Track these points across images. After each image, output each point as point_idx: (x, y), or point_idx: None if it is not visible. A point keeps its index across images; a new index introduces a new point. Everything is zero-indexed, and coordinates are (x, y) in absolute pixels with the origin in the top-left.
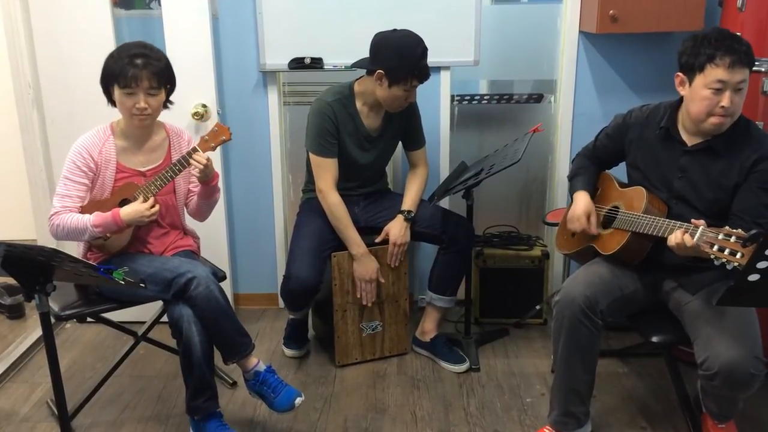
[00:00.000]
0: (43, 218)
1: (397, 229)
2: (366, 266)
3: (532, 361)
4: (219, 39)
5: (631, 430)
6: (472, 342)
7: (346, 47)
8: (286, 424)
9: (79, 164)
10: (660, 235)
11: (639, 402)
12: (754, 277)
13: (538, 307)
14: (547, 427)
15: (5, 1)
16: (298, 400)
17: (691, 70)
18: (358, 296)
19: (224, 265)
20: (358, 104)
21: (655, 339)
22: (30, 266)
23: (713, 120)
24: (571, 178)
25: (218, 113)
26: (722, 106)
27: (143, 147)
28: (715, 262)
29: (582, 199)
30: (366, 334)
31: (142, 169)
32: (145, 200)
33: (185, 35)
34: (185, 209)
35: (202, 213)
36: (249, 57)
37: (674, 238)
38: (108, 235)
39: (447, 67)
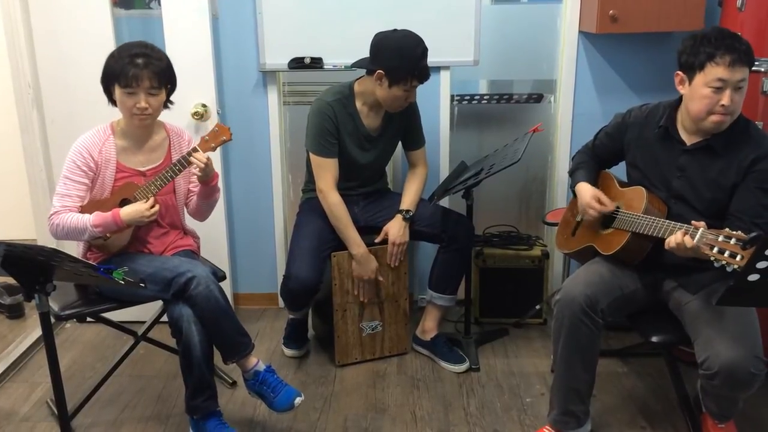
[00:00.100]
0: (43, 218)
1: (396, 229)
2: (366, 266)
3: (532, 360)
4: (219, 39)
5: (630, 429)
6: (471, 342)
7: (346, 47)
8: (285, 423)
9: (79, 164)
10: (660, 235)
11: (639, 402)
12: (753, 277)
13: (537, 307)
14: (547, 426)
15: (5, 0)
16: (298, 400)
17: (691, 68)
18: (356, 293)
19: (224, 265)
20: (358, 104)
21: (655, 339)
22: (30, 266)
23: (713, 118)
24: (572, 172)
25: (218, 113)
26: (722, 105)
27: (143, 147)
28: (715, 264)
29: (585, 187)
30: (366, 333)
31: (142, 169)
32: (145, 200)
33: (185, 35)
34: (185, 209)
35: (201, 213)
36: (249, 57)
37: (674, 239)
38: (108, 235)
39: (447, 67)
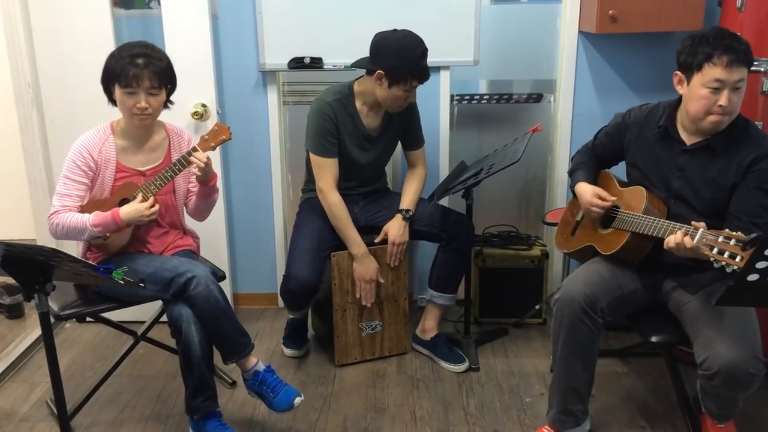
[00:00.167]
0: (43, 218)
1: (395, 229)
2: (366, 266)
3: (532, 360)
4: (219, 39)
5: (630, 429)
6: (471, 342)
7: (345, 47)
8: (285, 423)
9: (79, 163)
10: (660, 235)
11: (638, 402)
12: (753, 277)
13: (537, 307)
14: (546, 426)
15: (5, 0)
16: (297, 400)
17: (689, 69)
18: (358, 296)
19: (224, 265)
20: (358, 104)
21: (654, 339)
22: (29, 266)
23: (711, 118)
24: (572, 173)
25: (218, 113)
26: (720, 105)
27: (143, 146)
28: (715, 265)
29: (585, 186)
30: (365, 333)
31: (142, 169)
32: (145, 200)
33: (185, 35)
34: (184, 209)
35: (201, 213)
36: (249, 57)
37: (673, 239)
38: (107, 234)
39: (447, 67)
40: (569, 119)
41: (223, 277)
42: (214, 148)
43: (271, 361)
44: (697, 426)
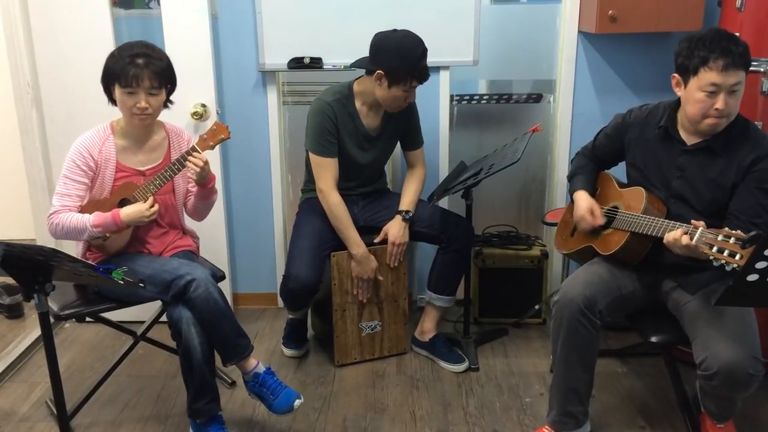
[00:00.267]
0: (42, 218)
1: (395, 230)
2: (365, 266)
3: (531, 360)
4: (218, 38)
5: (630, 429)
6: (471, 342)
7: (345, 47)
8: (285, 424)
9: (79, 163)
10: (659, 235)
11: (638, 402)
12: (752, 278)
13: (537, 307)
14: (546, 426)
15: (4, 0)
16: (297, 402)
17: (686, 72)
18: (355, 293)
19: (223, 265)
20: (358, 104)
21: (654, 339)
22: (29, 266)
23: (708, 121)
24: (571, 177)
25: (217, 113)
26: (716, 109)
27: (143, 146)
28: (714, 263)
29: (582, 197)
30: (365, 333)
31: (142, 169)
32: (144, 200)
33: (184, 35)
34: (184, 209)
35: (199, 213)
36: (248, 57)
37: (672, 235)
38: (107, 235)
39: (446, 67)
40: (569, 119)
41: (223, 278)
42: (213, 147)
43: (271, 361)
44: (696, 426)
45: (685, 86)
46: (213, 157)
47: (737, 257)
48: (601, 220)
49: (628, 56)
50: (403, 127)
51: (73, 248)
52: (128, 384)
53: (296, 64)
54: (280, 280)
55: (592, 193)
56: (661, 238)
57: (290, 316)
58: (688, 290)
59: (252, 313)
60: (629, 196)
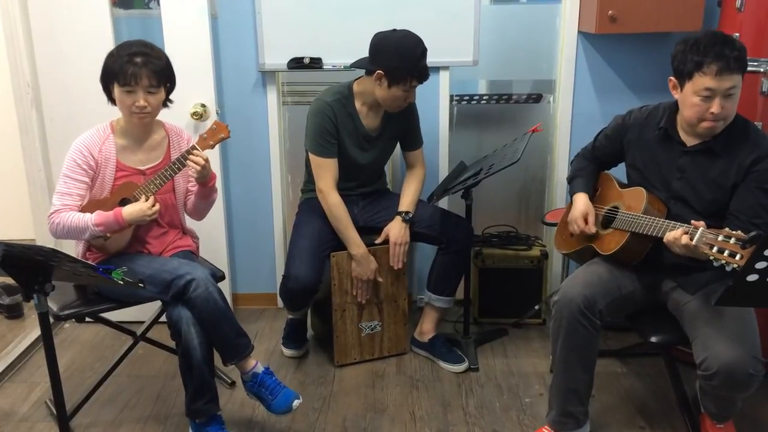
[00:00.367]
0: (42, 218)
1: (396, 230)
2: (365, 267)
3: (531, 361)
4: (218, 39)
5: (629, 430)
6: (470, 342)
7: (345, 47)
8: (284, 424)
9: (80, 162)
10: (659, 235)
11: (638, 402)
12: (752, 278)
13: (536, 307)
14: (546, 427)
15: (4, 0)
16: (296, 403)
17: (681, 76)
18: (354, 293)
19: (223, 265)
20: (358, 104)
21: (653, 339)
22: (28, 266)
23: (705, 125)
24: (571, 179)
25: (217, 113)
26: (712, 113)
27: (143, 145)
28: (714, 264)
29: (580, 200)
30: (365, 334)
31: (142, 168)
32: (146, 199)
33: (184, 35)
34: (184, 208)
35: (199, 212)
36: (248, 57)
37: (672, 234)
38: (108, 234)
39: (446, 67)
40: (569, 119)
41: (223, 278)
42: (213, 147)
43: (271, 361)
44: (696, 426)
45: (681, 90)
46: (213, 158)
47: (737, 257)
48: (592, 229)
49: (628, 56)
50: (402, 127)
51: (73, 248)
52: (128, 384)
53: (296, 64)
54: (279, 280)
55: (592, 196)
56: (661, 239)
57: (290, 317)
58: (688, 290)
59: (252, 313)
60: (630, 197)
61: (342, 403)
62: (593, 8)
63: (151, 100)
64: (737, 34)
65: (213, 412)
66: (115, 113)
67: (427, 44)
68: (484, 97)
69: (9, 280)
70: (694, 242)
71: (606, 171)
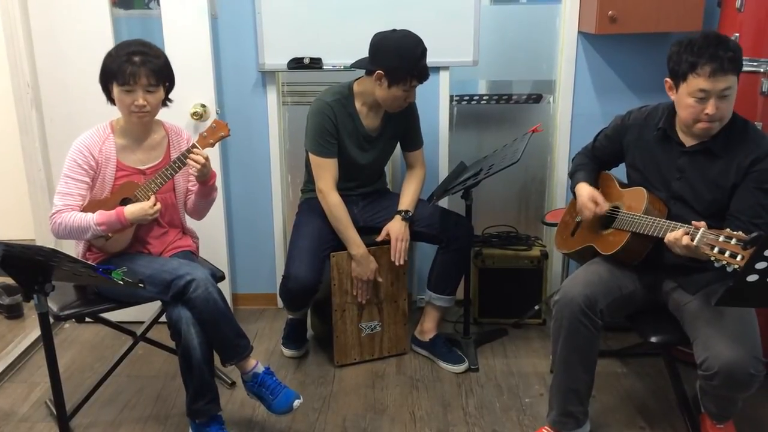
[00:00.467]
0: (42, 218)
1: (397, 227)
2: (365, 267)
3: (531, 361)
4: (218, 39)
5: (629, 430)
6: (471, 342)
7: (345, 47)
8: (284, 424)
9: (80, 162)
10: (660, 235)
11: (638, 402)
12: (752, 278)
13: (537, 307)
14: (546, 427)
15: (4, 0)
16: (296, 403)
17: (676, 77)
18: (354, 294)
19: (223, 265)
20: (358, 104)
21: (654, 339)
22: (28, 266)
23: (700, 125)
24: (572, 174)
25: (217, 113)
26: (707, 114)
27: (143, 145)
28: (715, 264)
29: (584, 188)
30: (365, 334)
31: (142, 168)
32: (146, 199)
33: (184, 35)
34: (184, 208)
35: (199, 212)
36: (248, 57)
37: (673, 234)
38: (110, 234)
39: (446, 68)
40: (568, 120)
41: (223, 278)
42: (213, 145)
43: (270, 361)
44: (696, 426)
45: (677, 91)
46: (213, 157)
47: (738, 258)
48: (605, 206)
49: (628, 57)
50: (402, 127)
51: (73, 248)
52: (128, 384)
53: (296, 64)
54: (279, 280)
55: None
56: (662, 239)
57: (290, 317)
58: (689, 290)
59: (251, 314)
60: (630, 197)
61: (342, 404)
62: (593, 8)
63: (150, 99)
64: (737, 35)
65: (214, 412)
66: (115, 113)
67: (427, 44)
68: (484, 98)
69: (9, 280)
70: (695, 243)
71: (606, 171)
